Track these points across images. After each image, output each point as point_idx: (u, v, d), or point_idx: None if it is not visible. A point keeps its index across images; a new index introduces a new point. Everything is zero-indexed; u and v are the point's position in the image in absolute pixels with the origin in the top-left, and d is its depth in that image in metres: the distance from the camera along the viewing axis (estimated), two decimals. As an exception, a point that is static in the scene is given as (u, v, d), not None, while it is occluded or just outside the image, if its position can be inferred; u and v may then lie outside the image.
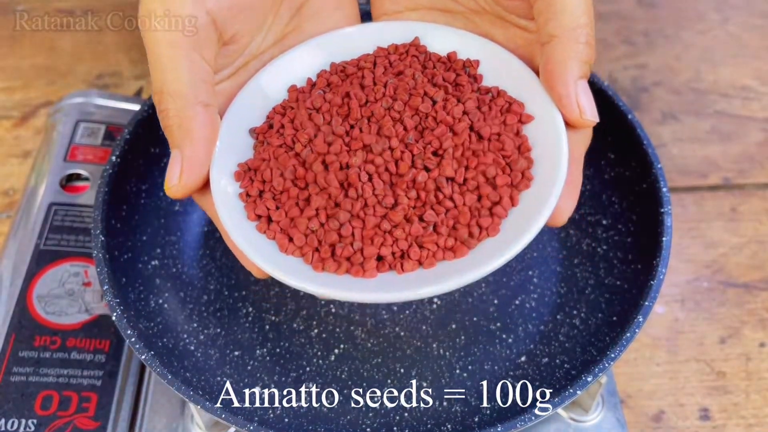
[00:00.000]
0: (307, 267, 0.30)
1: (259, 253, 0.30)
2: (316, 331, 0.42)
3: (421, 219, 0.30)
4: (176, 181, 0.31)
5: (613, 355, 0.35)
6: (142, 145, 0.43)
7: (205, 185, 0.32)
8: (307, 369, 0.41)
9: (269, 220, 0.32)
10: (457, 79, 0.34)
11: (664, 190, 0.40)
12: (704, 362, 0.46)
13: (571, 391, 0.34)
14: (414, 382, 0.40)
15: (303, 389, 0.40)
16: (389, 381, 0.40)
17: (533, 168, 0.32)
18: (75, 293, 0.44)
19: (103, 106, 0.52)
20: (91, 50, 0.62)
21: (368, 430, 0.38)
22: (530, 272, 0.44)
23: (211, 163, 0.32)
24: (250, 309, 0.43)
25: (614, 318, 0.40)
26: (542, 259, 0.44)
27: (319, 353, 0.41)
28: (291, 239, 0.31)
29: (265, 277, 0.31)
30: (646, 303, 0.36)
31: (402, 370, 0.41)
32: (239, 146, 0.34)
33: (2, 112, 0.58)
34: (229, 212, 0.31)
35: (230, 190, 0.32)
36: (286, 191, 0.31)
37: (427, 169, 0.31)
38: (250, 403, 0.38)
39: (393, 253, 0.30)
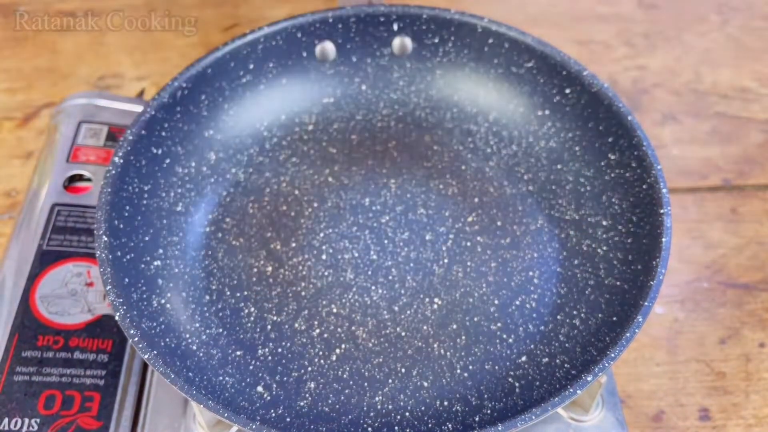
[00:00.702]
0: None
1: None
2: (317, 331, 0.42)
3: None
4: None
5: (613, 355, 0.35)
6: (144, 146, 0.44)
7: None
8: (309, 369, 0.41)
9: None
10: None
11: (664, 191, 0.40)
12: (704, 362, 0.46)
13: (571, 390, 0.35)
14: (415, 381, 0.40)
15: (305, 389, 0.40)
16: (390, 381, 0.40)
17: None
18: (78, 293, 0.44)
19: (105, 107, 0.52)
20: (92, 51, 0.62)
21: (369, 429, 0.39)
22: (531, 273, 0.44)
23: None
24: (252, 309, 0.43)
25: (614, 318, 0.40)
26: (542, 260, 0.45)
27: (321, 353, 0.41)
28: None
29: None
30: (646, 303, 0.37)
31: (403, 370, 0.41)
32: None
33: (5, 113, 0.58)
34: None
35: None
36: None
37: None
38: (252, 403, 0.39)
39: None
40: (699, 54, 0.62)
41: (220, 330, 0.42)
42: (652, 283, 0.37)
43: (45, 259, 0.45)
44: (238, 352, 0.41)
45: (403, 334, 0.42)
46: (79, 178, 0.49)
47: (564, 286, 0.43)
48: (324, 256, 0.45)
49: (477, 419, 0.38)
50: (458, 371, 0.41)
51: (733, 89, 0.59)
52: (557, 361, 0.40)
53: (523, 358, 0.41)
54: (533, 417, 0.34)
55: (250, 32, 0.47)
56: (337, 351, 0.41)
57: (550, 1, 0.65)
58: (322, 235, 0.46)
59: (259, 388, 0.40)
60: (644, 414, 0.44)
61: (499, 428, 0.34)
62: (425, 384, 0.40)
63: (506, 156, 0.49)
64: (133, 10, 0.64)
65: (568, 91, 0.47)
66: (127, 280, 0.40)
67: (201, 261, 0.44)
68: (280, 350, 0.41)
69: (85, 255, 0.45)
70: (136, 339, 0.36)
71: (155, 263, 0.43)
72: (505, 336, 0.42)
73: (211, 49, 0.46)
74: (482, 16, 0.48)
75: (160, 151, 0.45)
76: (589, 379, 0.35)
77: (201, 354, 0.41)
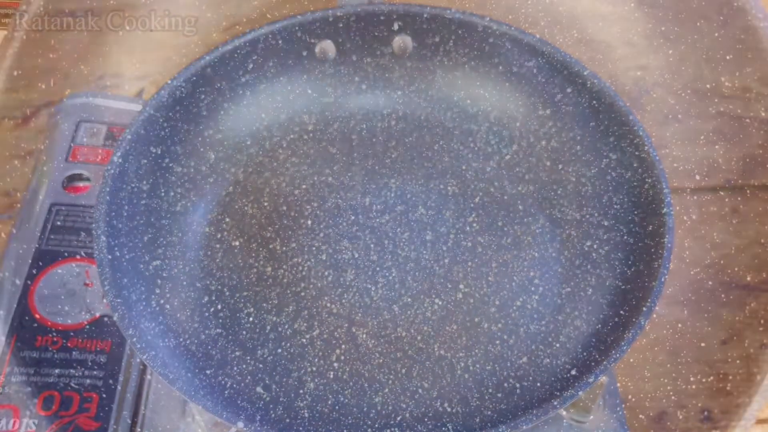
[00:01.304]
0: None
1: None
2: (317, 331, 0.42)
3: None
4: None
5: (614, 356, 0.35)
6: (143, 145, 0.43)
7: None
8: (309, 369, 0.41)
9: None
10: None
11: (666, 191, 0.40)
12: (706, 363, 0.46)
13: (572, 392, 0.34)
14: (415, 382, 0.40)
15: (304, 390, 0.40)
16: (390, 382, 0.40)
17: None
18: (76, 293, 0.44)
19: (105, 106, 0.52)
20: (92, 51, 0.62)
21: (369, 430, 0.38)
22: (531, 273, 0.44)
23: None
24: (251, 309, 0.43)
25: (616, 319, 0.40)
26: (543, 260, 0.44)
27: (320, 354, 0.41)
28: None
29: None
30: (648, 304, 0.36)
31: (403, 371, 0.41)
32: None
33: (4, 113, 0.58)
34: None
35: None
36: None
37: None
38: (251, 404, 0.38)
39: None
40: (700, 53, 0.61)
41: (219, 330, 0.42)
42: (653, 283, 0.37)
43: (43, 259, 0.45)
44: (237, 353, 0.41)
45: (403, 334, 0.42)
46: (78, 177, 0.49)
47: (565, 287, 0.43)
48: (324, 257, 0.45)
49: (477, 420, 0.38)
50: (459, 372, 0.41)
51: (735, 89, 0.59)
52: (558, 362, 0.40)
53: (524, 359, 0.41)
54: (534, 418, 0.34)
55: (249, 31, 0.47)
56: (337, 352, 0.41)
57: (550, 1, 0.65)
58: (322, 235, 0.45)
59: (259, 389, 0.40)
60: (645, 415, 0.44)
61: (500, 430, 0.33)
62: (425, 385, 0.40)
63: (507, 156, 0.49)
64: (133, 10, 0.64)
65: (569, 90, 0.47)
66: (125, 280, 0.40)
67: (200, 261, 0.44)
68: (279, 351, 0.41)
69: (84, 255, 0.45)
70: (135, 339, 0.35)
71: (154, 263, 0.43)
72: (505, 337, 0.42)
73: (210, 49, 0.46)
74: (483, 15, 0.48)
75: (159, 151, 0.45)
76: (590, 380, 0.35)
77: (200, 354, 0.40)
